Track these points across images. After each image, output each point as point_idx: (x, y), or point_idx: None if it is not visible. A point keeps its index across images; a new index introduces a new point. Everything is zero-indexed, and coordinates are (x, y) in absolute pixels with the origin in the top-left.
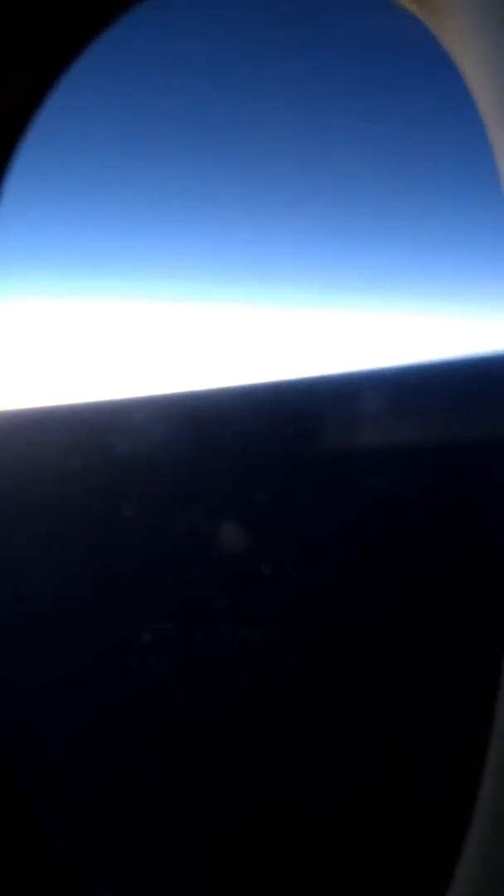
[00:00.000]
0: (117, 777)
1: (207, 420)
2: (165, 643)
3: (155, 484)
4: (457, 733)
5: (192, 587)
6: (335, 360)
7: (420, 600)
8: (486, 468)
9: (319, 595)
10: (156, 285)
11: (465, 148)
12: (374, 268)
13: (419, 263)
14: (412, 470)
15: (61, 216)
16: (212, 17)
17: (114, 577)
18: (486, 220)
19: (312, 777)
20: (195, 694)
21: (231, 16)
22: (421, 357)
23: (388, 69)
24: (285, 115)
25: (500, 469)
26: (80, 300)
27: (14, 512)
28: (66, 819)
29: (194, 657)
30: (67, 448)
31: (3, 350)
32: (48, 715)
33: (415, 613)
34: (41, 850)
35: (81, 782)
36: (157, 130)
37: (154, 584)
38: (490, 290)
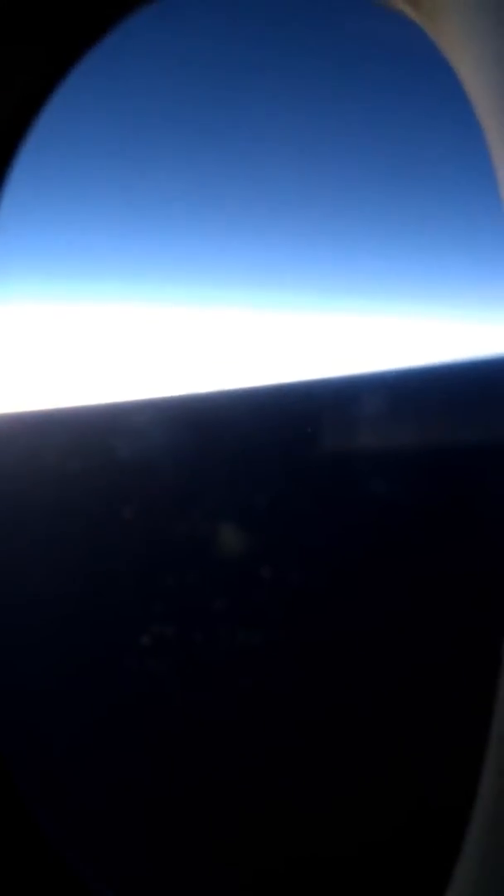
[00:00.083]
0: (117, 778)
1: (207, 423)
2: (165, 646)
3: (155, 486)
4: (455, 735)
5: (192, 590)
6: (335, 364)
7: (419, 603)
8: (485, 471)
9: (319, 598)
10: (156, 289)
11: (464, 151)
12: (373, 272)
13: (418, 267)
14: (411, 473)
15: (62, 220)
16: (212, 21)
17: (114, 579)
18: (484, 225)
19: (312, 779)
20: (195, 696)
21: (230, 20)
22: (420, 360)
23: (387, 74)
24: (285, 121)
25: (499, 472)
26: (81, 304)
27: (15, 514)
28: (66, 819)
29: (194, 659)
30: (68, 450)
31: (5, 353)
32: (49, 716)
33: (414, 616)
34: (41, 850)
35: (81, 783)
36: (157, 134)
37: (154, 586)
38: (489, 293)
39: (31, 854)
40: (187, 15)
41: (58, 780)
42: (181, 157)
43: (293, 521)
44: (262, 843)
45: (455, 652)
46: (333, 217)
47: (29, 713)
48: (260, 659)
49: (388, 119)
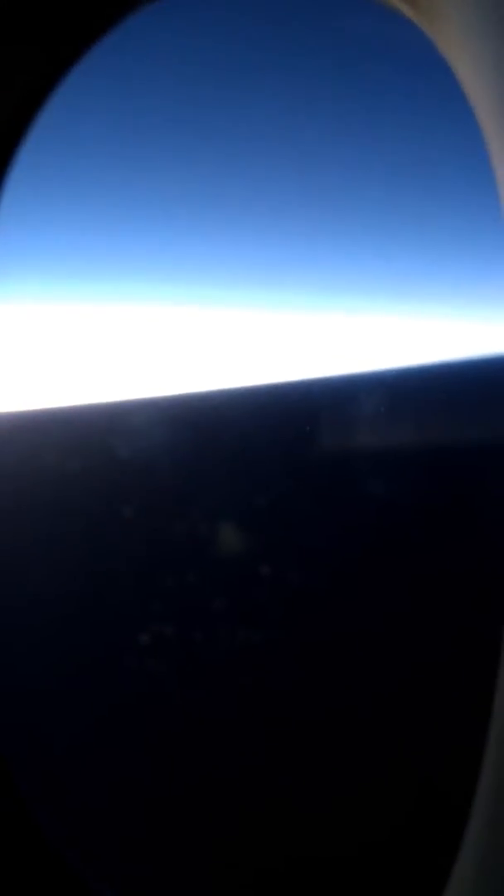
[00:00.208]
0: (117, 778)
1: (206, 422)
2: (165, 645)
3: (155, 486)
4: (455, 735)
5: (191, 589)
6: (334, 363)
7: (419, 602)
8: (485, 470)
9: (319, 597)
10: (155, 288)
11: (463, 151)
12: (372, 271)
13: (417, 266)
14: (411, 471)
15: (61, 219)
16: (212, 21)
17: (113, 578)
18: (483, 224)
19: (312, 778)
20: (195, 695)
21: (229, 19)
22: (419, 359)
23: (386, 73)
24: (284, 121)
25: (499, 471)
26: (80, 303)
27: (13, 514)
28: (66, 819)
29: (194, 659)
30: (67, 449)
31: (4, 352)
32: (48, 716)
33: (414, 615)
34: (41, 850)
35: (81, 783)
36: (156, 134)
37: (154, 585)
38: (488, 292)
39: (31, 854)
40: (187, 14)
41: (58, 780)
42: (181, 157)
43: (293, 520)
44: (262, 842)
45: (455, 651)
46: (332, 216)
47: (28, 713)
48: (259, 658)
49: (386, 118)
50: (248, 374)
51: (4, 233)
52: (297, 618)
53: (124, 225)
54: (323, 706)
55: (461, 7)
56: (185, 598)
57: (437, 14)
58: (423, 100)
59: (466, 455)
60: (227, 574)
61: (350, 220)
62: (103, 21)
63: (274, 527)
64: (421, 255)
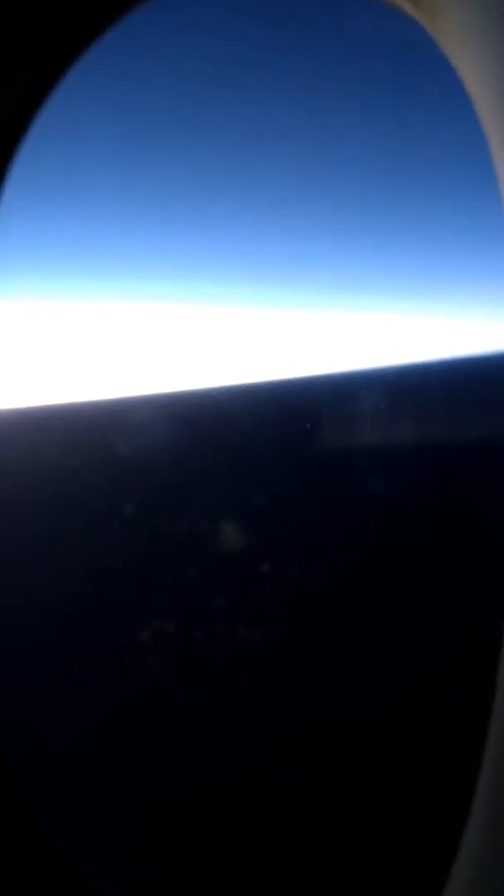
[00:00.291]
0: (117, 776)
1: (206, 419)
2: (165, 642)
3: (155, 482)
4: (455, 733)
5: (191, 586)
6: (334, 360)
7: (419, 600)
8: (485, 468)
9: (319, 594)
10: (155, 286)
11: (464, 148)
12: (372, 268)
13: (417, 263)
14: (411, 469)
15: (62, 217)
16: (212, 19)
17: (113, 575)
18: (484, 222)
19: (312, 777)
20: (195, 693)
21: (228, 17)
22: (419, 357)
23: (387, 71)
24: (285, 119)
25: (498, 468)
26: (80, 300)
27: (14, 510)
28: (66, 819)
29: (194, 656)
30: (67, 447)
31: (4, 349)
32: (48, 714)
33: (414, 613)
34: (41, 850)
35: (82, 782)
36: (156, 131)
37: (154, 583)
38: (488, 290)
39: (31, 854)
40: (185, 12)
41: (58, 779)
42: (180, 155)
43: (293, 518)
44: (263, 841)
45: (455, 648)
46: (332, 214)
47: (28, 711)
48: (260, 655)
49: (387, 116)
50: (248, 372)
51: (5, 230)
52: (298, 615)
53: (124, 222)
54: (323, 704)
55: (462, 5)
56: (185, 596)
57: (439, 12)
58: (424, 97)
59: (466, 452)
60: (228, 571)
61: (350, 218)
62: (103, 19)
63: (274, 524)
64: (421, 253)
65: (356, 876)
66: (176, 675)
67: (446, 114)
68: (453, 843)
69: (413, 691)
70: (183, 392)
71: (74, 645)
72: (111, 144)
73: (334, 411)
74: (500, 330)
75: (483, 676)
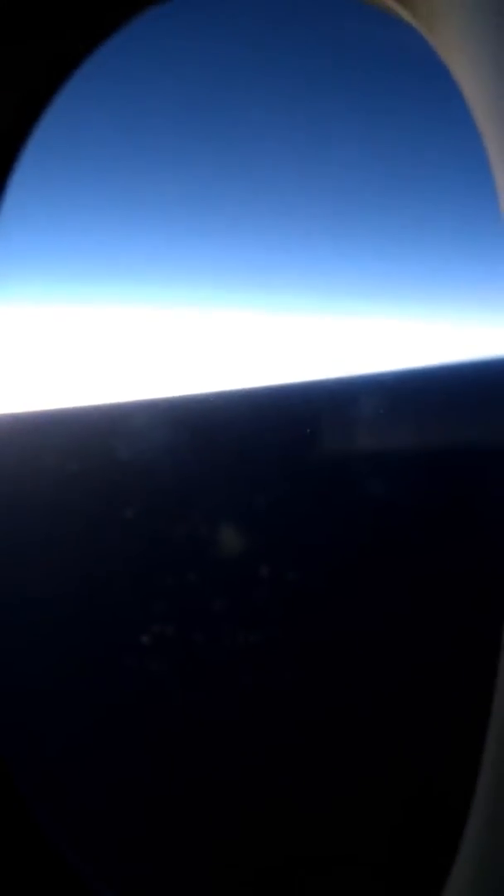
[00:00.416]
0: (117, 778)
1: (206, 424)
2: (165, 645)
3: (154, 486)
4: (454, 734)
5: (191, 590)
6: (334, 365)
7: (418, 603)
8: (484, 472)
9: (318, 598)
10: (156, 291)
11: (462, 154)
12: (372, 274)
13: (416, 269)
14: (410, 474)
15: (63, 222)
16: (214, 24)
17: (114, 579)
18: (482, 227)
19: (312, 778)
20: (195, 695)
21: (230, 24)
22: (419, 362)
23: (386, 77)
24: (285, 126)
25: (497, 473)
26: (81, 305)
27: (14, 514)
28: (66, 819)
29: (194, 659)
30: (68, 451)
31: (5, 354)
32: (49, 716)
33: (414, 616)
34: (41, 850)
35: (81, 783)
36: (157, 137)
37: (154, 586)
38: (487, 295)
39: (31, 854)
40: (189, 18)
41: (57, 780)
42: (181, 161)
43: (293, 522)
44: (262, 841)
45: (454, 652)
46: (332, 220)
47: (29, 713)
48: (259, 659)
49: (386, 122)
50: (248, 377)
51: (6, 235)
52: (297, 618)
53: (126, 227)
54: (323, 706)
55: (460, 11)
56: (185, 599)
57: (436, 18)
58: (422, 103)
59: (465, 456)
60: (228, 575)
61: (350, 224)
62: (106, 24)
63: (274, 528)
64: (419, 258)
65: (356, 876)
66: (176, 678)
67: (444, 120)
68: (453, 843)
69: (412, 694)
70: (183, 397)
71: (75, 647)
72: (113, 148)
73: (334, 416)
74: (499, 335)
75: (482, 679)
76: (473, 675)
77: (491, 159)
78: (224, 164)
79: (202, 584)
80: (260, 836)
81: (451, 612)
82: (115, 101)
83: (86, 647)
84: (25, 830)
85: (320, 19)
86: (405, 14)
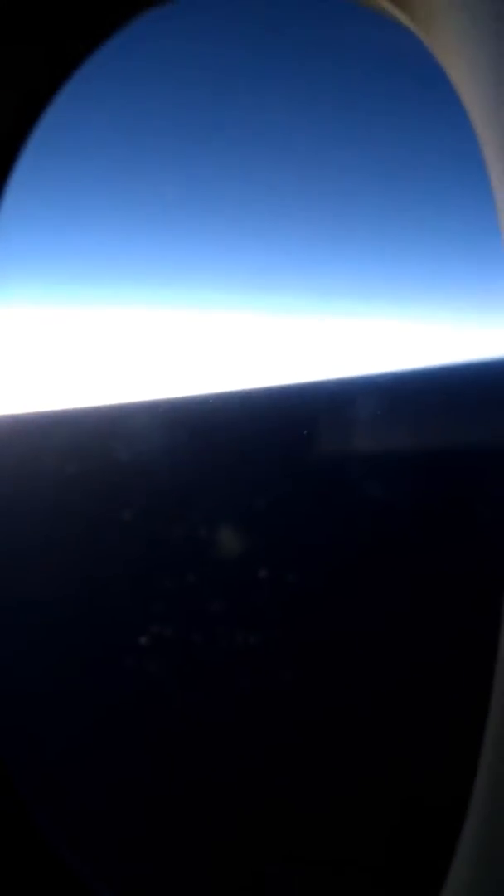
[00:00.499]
0: (117, 779)
1: (206, 425)
2: (164, 646)
3: (154, 487)
4: (452, 735)
5: (191, 591)
6: (334, 366)
7: (418, 604)
8: (483, 473)
9: (317, 599)
10: (155, 292)
11: (459, 156)
12: (371, 275)
13: (415, 270)
14: (410, 474)
15: (63, 223)
16: (213, 26)
17: (113, 580)
18: (480, 229)
19: (310, 779)
20: (194, 696)
21: (230, 26)
22: (418, 363)
23: (384, 80)
24: (285, 128)
25: (497, 474)
26: (80, 306)
27: (15, 515)
28: (66, 820)
29: (193, 660)
30: (68, 452)
31: (5, 356)
32: (49, 717)
33: (412, 617)
34: (41, 851)
35: (81, 783)
36: (157, 139)
37: (153, 587)
38: (486, 297)
39: (31, 854)
40: (188, 20)
41: (57, 781)
42: (181, 162)
43: (292, 523)
44: (261, 842)
45: (453, 652)
46: (331, 221)
47: (29, 714)
48: (259, 659)
49: (384, 125)
50: (247, 378)
51: (6, 235)
52: (296, 619)
53: (125, 229)
54: (321, 706)
55: (457, 15)
56: (184, 600)
57: (434, 22)
58: (420, 106)
59: (465, 457)
60: (227, 576)
61: (349, 225)
62: (106, 25)
63: (273, 529)
64: (418, 259)
65: (355, 876)
66: (175, 678)
67: (442, 123)
68: (451, 844)
69: (411, 695)
70: (182, 398)
71: (74, 648)
72: (113, 150)
73: (333, 417)
74: (498, 336)
75: (480, 680)
76: (471, 677)
77: (488, 161)
78: (224, 166)
79: (201, 585)
80: (259, 836)
81: (450, 613)
82: (115, 101)
83: (85, 648)
84: (25, 831)
85: (319, 22)
86: (403, 17)
